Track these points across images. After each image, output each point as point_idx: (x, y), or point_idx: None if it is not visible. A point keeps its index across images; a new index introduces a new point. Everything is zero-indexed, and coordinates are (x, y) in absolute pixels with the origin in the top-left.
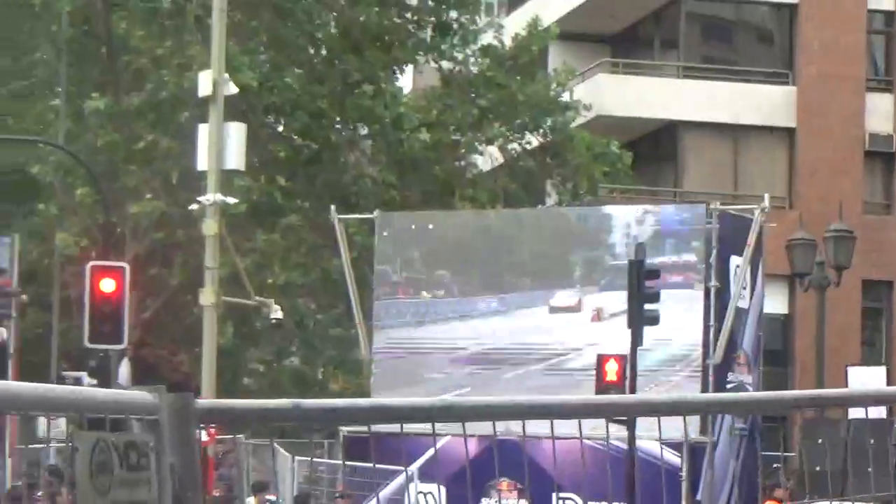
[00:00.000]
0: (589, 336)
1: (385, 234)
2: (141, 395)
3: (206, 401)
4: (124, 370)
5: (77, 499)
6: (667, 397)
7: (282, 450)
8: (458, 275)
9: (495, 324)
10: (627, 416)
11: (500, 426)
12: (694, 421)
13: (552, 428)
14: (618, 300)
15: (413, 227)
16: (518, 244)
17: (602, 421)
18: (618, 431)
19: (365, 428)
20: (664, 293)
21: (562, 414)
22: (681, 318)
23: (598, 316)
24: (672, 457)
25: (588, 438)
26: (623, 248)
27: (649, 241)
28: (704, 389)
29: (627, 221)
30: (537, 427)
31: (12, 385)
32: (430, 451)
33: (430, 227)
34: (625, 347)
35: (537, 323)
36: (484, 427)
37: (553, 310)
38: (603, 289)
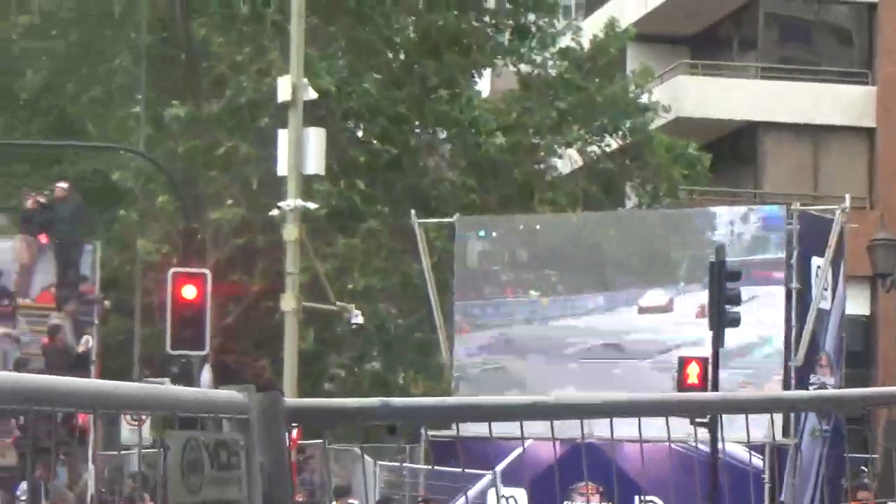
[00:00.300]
0: (694, 331)
1: (494, 235)
2: (230, 394)
3: (294, 399)
4: (206, 376)
5: (169, 497)
6: (753, 395)
7: (364, 454)
8: (564, 274)
9: (602, 321)
10: (714, 413)
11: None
12: (776, 423)
13: (640, 428)
14: None
15: (521, 227)
16: (622, 244)
17: (684, 425)
18: (701, 435)
19: (448, 432)
20: (766, 290)
21: (648, 411)
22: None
23: (702, 312)
24: (754, 459)
25: (673, 441)
26: (727, 247)
27: (752, 239)
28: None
29: (731, 219)
30: (618, 430)
31: (103, 384)
32: (515, 453)
33: (538, 227)
34: (728, 342)
35: (643, 320)
36: (562, 431)
37: (642, 310)
38: (706, 286)
